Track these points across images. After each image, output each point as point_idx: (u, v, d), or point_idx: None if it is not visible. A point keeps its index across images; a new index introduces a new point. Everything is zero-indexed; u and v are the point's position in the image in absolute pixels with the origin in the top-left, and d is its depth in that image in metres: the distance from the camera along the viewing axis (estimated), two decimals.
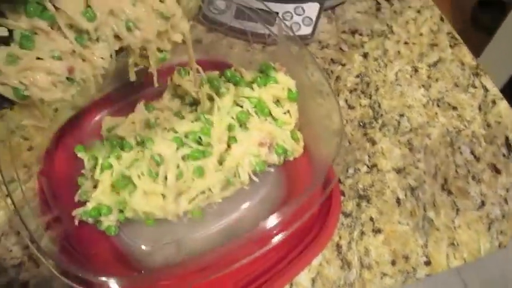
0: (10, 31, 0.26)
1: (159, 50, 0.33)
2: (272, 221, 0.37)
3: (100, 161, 0.42)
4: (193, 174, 0.41)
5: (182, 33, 0.32)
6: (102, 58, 0.29)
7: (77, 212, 0.42)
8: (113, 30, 0.29)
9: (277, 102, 0.47)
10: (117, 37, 0.29)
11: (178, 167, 0.41)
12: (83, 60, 0.28)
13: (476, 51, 1.42)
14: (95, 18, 0.27)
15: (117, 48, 0.30)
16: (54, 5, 0.26)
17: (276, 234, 0.38)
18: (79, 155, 0.45)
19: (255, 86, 0.46)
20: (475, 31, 1.68)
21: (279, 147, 0.45)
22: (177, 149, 0.41)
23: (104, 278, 0.33)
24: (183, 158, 0.41)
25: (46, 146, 0.49)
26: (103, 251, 0.42)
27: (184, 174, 0.41)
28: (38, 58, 0.27)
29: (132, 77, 0.34)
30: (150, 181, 0.40)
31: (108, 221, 0.42)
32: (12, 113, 0.43)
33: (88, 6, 0.27)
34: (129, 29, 0.29)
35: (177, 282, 0.39)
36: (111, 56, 0.29)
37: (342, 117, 0.40)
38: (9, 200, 0.37)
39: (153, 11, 0.29)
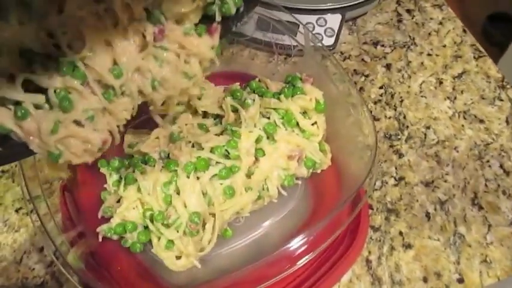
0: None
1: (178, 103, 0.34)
2: (299, 240, 0.35)
3: (123, 177, 0.41)
4: (224, 195, 0.40)
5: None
6: (125, 111, 0.29)
7: (101, 229, 0.40)
8: (138, 86, 0.29)
9: (304, 113, 0.46)
10: (141, 92, 0.29)
11: (206, 193, 0.40)
12: (109, 114, 0.29)
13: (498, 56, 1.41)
14: (121, 76, 0.27)
15: (140, 102, 0.30)
16: (83, 63, 0.27)
17: (303, 254, 0.36)
18: (101, 170, 0.44)
19: (282, 97, 0.45)
20: (486, 46, 1.68)
21: (308, 160, 0.44)
22: (206, 169, 0.40)
23: None
24: (211, 179, 0.40)
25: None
26: (128, 267, 0.41)
27: (213, 198, 0.39)
28: (75, 121, 0.27)
29: (157, 119, 0.35)
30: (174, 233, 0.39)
31: (133, 238, 0.41)
32: None
33: (115, 63, 0.27)
34: (154, 88, 0.29)
35: None
36: (133, 108, 0.30)
37: (375, 131, 0.39)
38: (33, 217, 0.36)
39: (178, 71, 0.30)
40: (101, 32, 0.26)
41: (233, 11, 0.31)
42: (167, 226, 0.39)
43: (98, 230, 0.40)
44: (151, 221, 0.39)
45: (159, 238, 0.39)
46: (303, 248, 0.38)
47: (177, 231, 0.38)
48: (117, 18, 0.27)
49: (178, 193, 0.40)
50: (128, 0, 0.27)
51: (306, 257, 0.37)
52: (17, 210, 0.46)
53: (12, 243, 0.44)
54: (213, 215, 0.40)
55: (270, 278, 0.36)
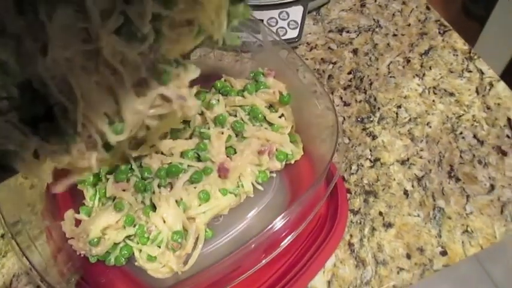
0: None
1: None
2: (279, 223, 0.36)
3: (97, 192, 0.41)
4: (200, 200, 0.41)
5: None
6: None
7: (83, 247, 0.41)
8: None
9: (271, 107, 0.46)
10: None
11: (181, 200, 0.40)
12: None
13: (470, 41, 1.42)
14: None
15: None
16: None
17: (285, 236, 0.37)
18: (79, 186, 0.45)
19: (245, 93, 0.45)
20: (467, 21, 1.68)
21: (279, 153, 0.44)
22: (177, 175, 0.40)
23: None
24: (184, 184, 0.41)
25: (47, 182, 0.48)
26: (113, 278, 0.42)
27: (188, 203, 0.40)
28: None
29: None
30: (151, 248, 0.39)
31: (116, 254, 0.42)
32: None
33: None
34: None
35: None
36: None
37: (336, 112, 0.39)
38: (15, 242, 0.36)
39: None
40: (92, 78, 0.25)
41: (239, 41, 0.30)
42: (147, 239, 0.39)
43: (82, 253, 0.41)
44: (130, 237, 0.40)
45: (140, 250, 0.40)
46: (283, 233, 0.38)
47: (159, 247, 0.39)
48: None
49: (154, 209, 0.40)
50: (120, 48, 0.24)
51: (288, 237, 0.38)
52: (2, 236, 0.46)
53: (1, 268, 0.44)
54: (193, 218, 0.41)
55: (255, 265, 0.36)
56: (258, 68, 0.49)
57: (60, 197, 0.46)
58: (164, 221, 0.39)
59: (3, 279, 0.44)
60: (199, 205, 0.41)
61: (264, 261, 0.36)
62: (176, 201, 0.40)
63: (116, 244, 0.41)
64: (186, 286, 0.39)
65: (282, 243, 0.37)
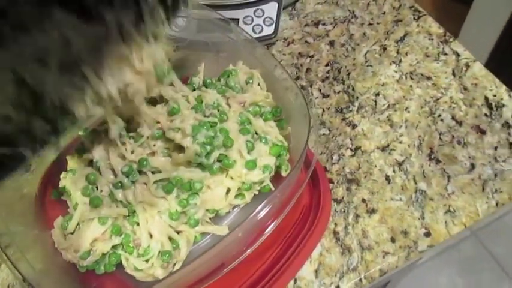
0: None
1: None
2: (262, 212, 0.36)
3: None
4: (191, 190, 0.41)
5: None
6: None
7: (72, 257, 0.42)
8: None
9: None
10: None
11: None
12: None
13: (458, 23, 1.43)
14: None
15: None
16: None
17: (268, 225, 0.38)
18: (62, 197, 0.45)
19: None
20: (454, 3, 1.68)
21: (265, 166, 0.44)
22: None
23: None
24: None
25: (35, 192, 0.49)
26: (104, 281, 0.43)
27: (172, 210, 0.41)
28: None
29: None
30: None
31: (105, 262, 0.42)
32: None
33: None
34: None
35: None
36: None
37: (306, 96, 0.40)
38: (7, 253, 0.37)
39: None
40: None
41: None
42: (133, 249, 0.40)
43: (74, 261, 0.42)
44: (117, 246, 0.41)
45: (127, 259, 0.41)
46: (266, 219, 0.38)
47: (147, 261, 0.40)
48: None
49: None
50: None
51: (271, 225, 0.38)
52: None
53: None
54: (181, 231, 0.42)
55: (241, 254, 0.37)
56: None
57: (48, 205, 0.47)
58: (151, 235, 0.40)
59: None
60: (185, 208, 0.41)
61: (249, 250, 0.37)
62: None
63: (103, 254, 0.42)
64: (173, 284, 0.40)
65: (265, 231, 0.37)
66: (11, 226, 0.43)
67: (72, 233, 0.42)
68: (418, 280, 1.33)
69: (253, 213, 0.36)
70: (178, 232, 0.42)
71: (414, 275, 1.33)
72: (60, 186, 0.44)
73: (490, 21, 1.34)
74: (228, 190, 0.43)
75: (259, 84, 0.48)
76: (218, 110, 0.45)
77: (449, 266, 1.35)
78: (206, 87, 0.49)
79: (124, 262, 0.41)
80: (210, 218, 0.44)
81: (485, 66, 0.56)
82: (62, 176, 0.44)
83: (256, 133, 0.46)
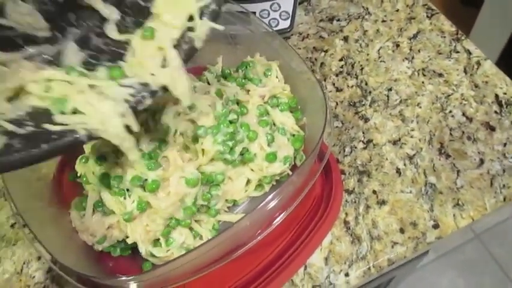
0: None
1: None
2: (272, 200, 0.37)
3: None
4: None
5: None
6: None
7: (89, 240, 0.43)
8: None
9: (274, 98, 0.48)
10: None
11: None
12: None
13: (468, 26, 1.44)
14: None
15: None
16: None
17: (280, 214, 0.39)
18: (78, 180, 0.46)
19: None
20: (463, 6, 1.69)
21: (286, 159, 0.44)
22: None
23: (123, 278, 0.35)
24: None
25: (53, 173, 0.50)
26: (119, 261, 0.44)
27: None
28: None
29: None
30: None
31: (120, 246, 0.44)
32: None
33: None
34: None
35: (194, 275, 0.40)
36: None
37: (326, 97, 0.41)
38: (26, 230, 0.38)
39: None
40: None
41: None
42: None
43: (90, 243, 0.43)
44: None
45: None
46: (278, 208, 0.39)
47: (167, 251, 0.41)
48: None
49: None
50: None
51: (282, 214, 0.39)
52: (12, 226, 0.49)
53: (12, 256, 0.47)
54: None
55: (248, 243, 0.38)
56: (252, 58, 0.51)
57: (66, 186, 0.48)
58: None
59: (15, 266, 0.46)
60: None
61: (259, 237, 0.38)
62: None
63: (118, 242, 0.43)
64: (188, 263, 0.40)
65: (276, 220, 0.39)
66: (29, 205, 0.44)
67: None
68: (421, 282, 1.33)
69: (264, 202, 0.37)
70: (197, 221, 0.43)
71: (417, 276, 1.33)
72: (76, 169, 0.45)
73: (499, 23, 1.35)
74: (248, 181, 0.44)
75: (277, 77, 0.49)
76: (238, 104, 0.46)
77: (452, 268, 1.36)
78: (225, 78, 0.50)
79: (141, 249, 0.41)
80: (228, 207, 0.45)
81: (496, 65, 0.57)
82: (77, 160, 0.45)
83: (274, 124, 0.47)
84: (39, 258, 0.47)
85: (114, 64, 0.30)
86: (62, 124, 0.27)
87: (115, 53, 0.30)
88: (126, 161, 0.40)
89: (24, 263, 0.47)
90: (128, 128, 0.29)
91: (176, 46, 0.30)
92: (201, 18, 0.30)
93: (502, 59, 1.38)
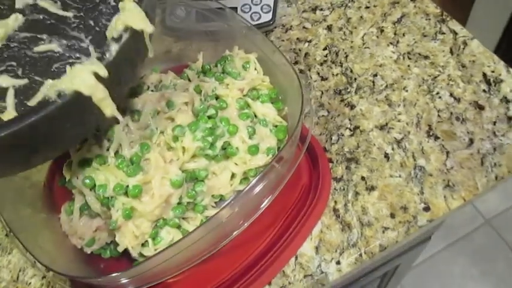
0: None
1: None
2: (257, 187, 0.37)
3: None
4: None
5: None
6: None
7: (77, 243, 0.43)
8: None
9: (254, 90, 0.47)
10: None
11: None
12: None
13: (466, 12, 1.42)
14: None
15: None
16: None
17: (264, 200, 0.38)
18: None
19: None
20: None
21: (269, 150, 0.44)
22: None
23: (114, 274, 0.35)
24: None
25: (43, 180, 0.51)
26: (110, 263, 0.44)
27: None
28: None
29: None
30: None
31: (109, 248, 0.44)
32: None
33: None
34: None
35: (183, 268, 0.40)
36: None
37: (300, 76, 0.41)
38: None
39: None
40: None
41: None
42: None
43: (79, 246, 0.43)
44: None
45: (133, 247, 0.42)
46: (262, 194, 0.39)
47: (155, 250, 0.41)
48: None
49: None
50: None
51: (268, 199, 0.39)
52: (6, 234, 0.49)
53: (8, 264, 0.47)
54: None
55: (237, 229, 0.38)
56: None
57: (57, 191, 0.49)
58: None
59: (11, 274, 0.46)
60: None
61: (246, 223, 0.38)
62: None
63: (107, 244, 0.43)
64: (174, 256, 0.40)
65: (262, 205, 0.38)
66: (21, 212, 0.44)
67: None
68: (432, 270, 1.32)
69: (248, 187, 0.37)
70: (184, 218, 0.43)
71: (427, 265, 1.32)
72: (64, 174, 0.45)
73: (497, 8, 1.33)
74: (233, 175, 0.44)
75: (255, 69, 0.49)
76: (217, 99, 0.46)
77: (463, 256, 1.34)
78: (205, 74, 0.50)
79: (132, 253, 0.42)
80: (215, 203, 0.45)
81: (494, 53, 0.56)
82: (65, 164, 0.46)
83: (256, 116, 0.47)
84: (34, 263, 0.47)
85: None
86: None
87: None
88: (107, 169, 0.40)
89: (20, 271, 0.47)
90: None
91: None
92: None
93: (500, 43, 1.36)
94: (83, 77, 0.30)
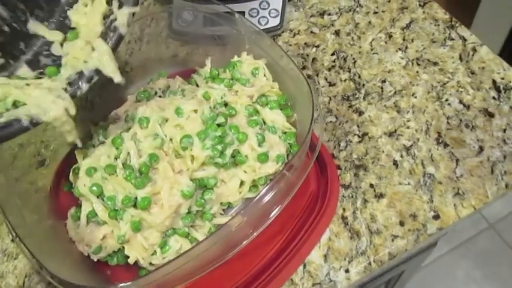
0: None
1: None
2: (266, 196, 0.36)
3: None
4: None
5: None
6: None
7: (84, 250, 0.43)
8: None
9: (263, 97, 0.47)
10: None
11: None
12: None
13: (471, 14, 1.41)
14: None
15: None
16: None
17: (274, 209, 0.38)
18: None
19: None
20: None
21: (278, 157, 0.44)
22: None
23: (122, 284, 0.34)
24: None
25: (49, 185, 0.51)
26: (117, 270, 0.44)
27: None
28: None
29: None
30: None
31: (116, 256, 0.43)
32: (16, 162, 0.46)
33: None
34: None
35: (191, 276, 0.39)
36: None
37: (309, 83, 0.40)
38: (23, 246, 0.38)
39: None
40: None
41: None
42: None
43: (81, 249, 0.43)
44: None
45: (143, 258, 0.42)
46: (272, 203, 0.38)
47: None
48: None
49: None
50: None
51: (277, 208, 0.38)
52: (12, 240, 0.49)
53: (13, 269, 0.47)
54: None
55: (246, 238, 0.38)
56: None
57: (62, 196, 0.48)
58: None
59: (17, 280, 0.46)
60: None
61: (255, 233, 0.38)
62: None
63: (114, 252, 0.43)
64: (184, 265, 0.40)
65: (271, 215, 0.38)
66: (27, 218, 0.44)
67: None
68: (435, 273, 1.32)
69: (258, 197, 0.36)
70: (193, 226, 0.43)
71: (430, 269, 1.32)
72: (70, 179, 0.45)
73: (502, 10, 1.33)
74: (242, 183, 0.44)
75: (265, 75, 0.48)
76: (225, 106, 0.45)
77: (467, 259, 1.34)
78: (213, 80, 0.50)
79: (143, 264, 0.41)
80: (223, 210, 0.45)
81: (499, 56, 0.56)
82: (71, 169, 0.45)
83: (264, 123, 0.46)
84: (41, 269, 0.47)
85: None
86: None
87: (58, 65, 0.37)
88: (115, 181, 0.40)
89: (26, 276, 0.47)
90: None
91: (103, 35, 0.35)
92: (120, 8, 0.35)
93: (505, 45, 1.36)
94: (52, 108, 0.33)
